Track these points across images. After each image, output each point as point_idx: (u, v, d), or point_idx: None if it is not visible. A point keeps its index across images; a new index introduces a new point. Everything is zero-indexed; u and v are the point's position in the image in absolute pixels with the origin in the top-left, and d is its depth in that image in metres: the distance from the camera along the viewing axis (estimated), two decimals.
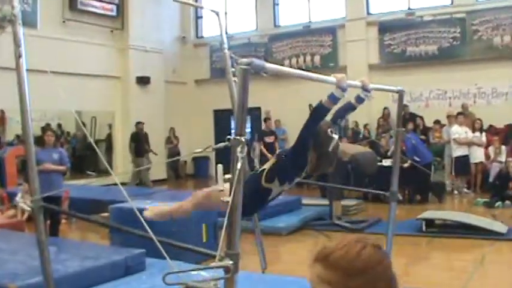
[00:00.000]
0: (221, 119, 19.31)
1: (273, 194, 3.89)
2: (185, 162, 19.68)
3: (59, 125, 19.07)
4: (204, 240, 7.59)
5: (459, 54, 15.80)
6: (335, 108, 3.85)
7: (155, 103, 18.53)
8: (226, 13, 19.64)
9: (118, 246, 7.13)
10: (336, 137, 3.85)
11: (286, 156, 3.84)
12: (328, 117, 3.92)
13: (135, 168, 16.11)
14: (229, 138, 2.69)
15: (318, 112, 3.74)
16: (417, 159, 12.24)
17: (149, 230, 3.19)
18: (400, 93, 5.10)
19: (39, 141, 8.65)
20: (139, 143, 16.89)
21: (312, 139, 3.76)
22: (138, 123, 17.22)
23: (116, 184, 4.06)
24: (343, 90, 3.63)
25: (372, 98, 4.34)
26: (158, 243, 3.12)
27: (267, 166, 3.88)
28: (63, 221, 10.05)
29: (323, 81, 3.66)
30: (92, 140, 5.99)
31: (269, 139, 15.10)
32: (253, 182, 3.80)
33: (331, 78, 3.66)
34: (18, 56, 3.78)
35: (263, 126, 15.72)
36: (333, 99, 3.66)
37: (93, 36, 17.09)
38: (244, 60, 2.68)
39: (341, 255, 1.49)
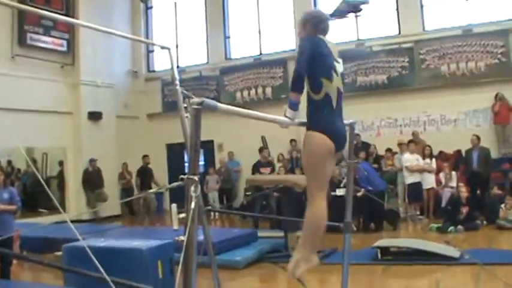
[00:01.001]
0: (174, 152, 19.26)
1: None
2: (139, 197, 19.49)
3: (9, 162, 18.70)
4: (160, 276, 7.50)
5: (408, 83, 16.16)
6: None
7: (107, 138, 18.37)
8: (177, 46, 19.77)
9: (72, 287, 6.99)
10: None
11: None
12: None
13: (89, 204, 15.96)
14: (182, 178, 2.69)
15: None
16: (370, 188, 12.38)
17: (102, 270, 3.15)
18: (351, 126, 5.16)
19: None
20: (92, 179, 16.82)
21: None
22: (91, 160, 17.10)
23: (70, 222, 4.01)
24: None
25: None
26: (112, 284, 3.08)
27: None
28: (15, 261, 9.80)
29: (274, 122, 3.78)
30: (41, 178, 5.85)
31: (265, 170, 14.98)
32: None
33: (282, 118, 3.81)
34: None
35: (259, 157, 15.53)
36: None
37: (44, 71, 16.91)
38: (196, 100, 2.71)
39: None
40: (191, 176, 2.67)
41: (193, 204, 2.63)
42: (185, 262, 2.69)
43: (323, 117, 4.05)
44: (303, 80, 4.01)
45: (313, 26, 4.32)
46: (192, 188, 2.65)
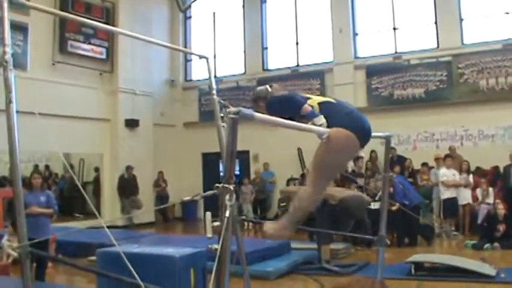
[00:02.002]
0: (210, 161, 19.32)
1: None
2: (173, 205, 19.58)
3: (47, 167, 19.02)
4: (192, 285, 7.52)
5: (446, 97, 15.98)
6: None
7: (144, 146, 18.54)
8: (215, 56, 19.89)
9: None
10: None
11: None
12: None
13: (123, 210, 16.13)
14: (217, 186, 2.71)
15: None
16: (406, 202, 12.27)
17: (136, 276, 3.18)
18: (387, 139, 5.15)
19: (27, 183, 8.61)
20: (127, 186, 17.04)
21: None
22: (128, 167, 17.30)
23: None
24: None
25: None
26: None
27: None
28: (50, 264, 9.94)
29: (310, 131, 3.80)
30: (78, 183, 5.94)
31: None
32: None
33: (318, 128, 3.83)
34: (8, 102, 3.79)
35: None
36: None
37: (83, 78, 17.18)
38: (233, 109, 2.72)
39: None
40: (226, 185, 2.68)
41: (227, 213, 2.64)
42: (218, 271, 2.70)
43: (337, 117, 4.20)
44: (294, 98, 4.32)
45: (262, 98, 4.59)
46: (227, 197, 2.67)
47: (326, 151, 4.12)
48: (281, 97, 4.42)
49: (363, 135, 4.21)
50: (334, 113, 4.19)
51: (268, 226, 4.33)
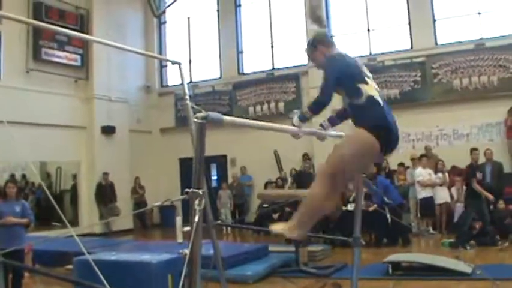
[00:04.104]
0: (187, 167, 19.22)
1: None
2: (152, 211, 19.50)
3: (23, 176, 18.83)
4: None
5: (420, 98, 16.12)
6: None
7: (120, 152, 18.46)
8: (190, 61, 19.89)
9: None
10: None
11: None
12: None
13: (102, 218, 16.03)
14: (187, 192, 2.72)
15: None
16: (388, 201, 12.35)
17: (106, 284, 3.17)
18: None
19: (1, 193, 8.53)
20: (105, 193, 16.99)
21: None
22: (104, 173, 17.25)
23: (83, 235, 4.05)
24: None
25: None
26: None
27: None
28: (27, 274, 9.84)
29: (280, 131, 3.79)
30: (49, 195, 5.86)
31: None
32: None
33: (288, 127, 3.82)
34: None
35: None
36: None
37: (58, 86, 17.06)
38: (200, 114, 2.73)
39: None
40: (196, 190, 2.69)
41: (197, 218, 2.65)
42: (190, 275, 2.71)
43: (371, 113, 4.03)
44: (324, 107, 4.09)
45: (324, 44, 4.41)
46: (197, 202, 2.67)
47: (340, 149, 4.00)
48: (350, 60, 4.26)
49: (388, 141, 4.03)
50: (364, 111, 4.06)
51: (277, 227, 4.15)
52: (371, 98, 4.07)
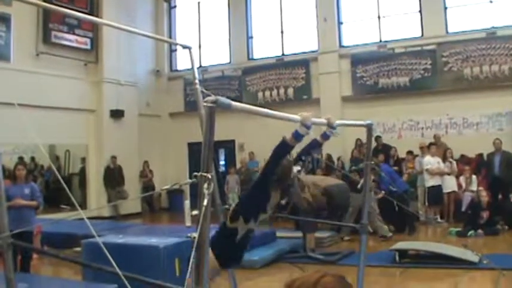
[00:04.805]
0: (195, 151, 19.25)
1: (240, 233, 3.94)
2: (160, 195, 19.57)
3: (33, 158, 18.90)
4: (178, 274, 7.54)
5: (430, 86, 16.04)
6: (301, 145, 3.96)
7: (129, 136, 18.50)
8: (200, 46, 19.84)
9: (90, 282, 7.06)
10: (296, 170, 4.00)
11: (246, 195, 3.94)
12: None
13: (110, 201, 16.12)
14: (195, 175, 2.72)
15: (280, 149, 3.87)
16: (394, 189, 12.34)
17: (115, 265, 3.18)
18: (369, 127, 5.15)
19: (11, 175, 8.58)
20: (113, 176, 17.05)
21: (273, 175, 3.86)
22: (112, 157, 17.30)
23: (91, 218, 4.07)
24: (308, 127, 3.73)
25: (338, 134, 4.46)
26: (126, 281, 3.11)
27: (232, 207, 3.99)
28: (35, 256, 9.91)
29: (288, 120, 3.76)
30: (59, 177, 5.90)
31: None
32: (219, 230, 3.93)
33: (296, 117, 3.76)
34: None
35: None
36: (297, 136, 3.79)
37: (67, 69, 17.06)
38: (210, 98, 2.72)
39: (302, 282, 1.65)
40: (204, 174, 2.69)
41: (205, 201, 2.65)
42: (197, 259, 2.71)
43: None
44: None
45: None
46: (205, 185, 2.67)
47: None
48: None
49: None
50: None
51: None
52: None
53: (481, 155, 14.82)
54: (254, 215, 3.99)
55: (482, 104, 15.24)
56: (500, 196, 13.13)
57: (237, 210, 3.94)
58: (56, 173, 12.46)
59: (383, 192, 12.34)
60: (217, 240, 3.89)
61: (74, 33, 17.47)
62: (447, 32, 16.22)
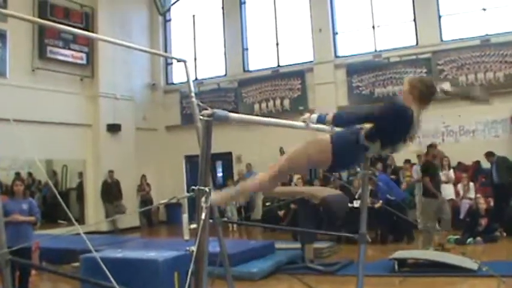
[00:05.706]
0: (193, 164, 19.30)
1: (371, 151, 3.99)
2: (158, 209, 19.54)
3: (30, 174, 18.87)
4: None
5: None
6: None
7: (126, 150, 18.48)
8: (195, 59, 19.88)
9: None
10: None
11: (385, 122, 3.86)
12: None
13: (108, 216, 16.09)
14: (193, 189, 2.73)
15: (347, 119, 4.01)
16: (391, 198, 12.35)
17: (115, 284, 3.18)
18: None
19: (8, 191, 8.55)
20: (110, 190, 17.04)
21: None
22: (109, 171, 17.29)
23: (89, 233, 4.07)
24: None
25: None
26: None
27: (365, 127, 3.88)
28: (33, 272, 9.87)
29: (289, 127, 3.79)
30: (56, 192, 5.88)
31: None
32: (351, 134, 3.89)
33: (299, 123, 3.80)
34: None
35: None
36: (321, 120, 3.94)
37: (63, 84, 17.09)
38: (206, 111, 2.74)
39: None
40: (202, 187, 2.70)
41: (203, 215, 2.66)
42: (196, 273, 2.72)
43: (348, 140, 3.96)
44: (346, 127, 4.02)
45: (421, 98, 4.19)
46: (203, 199, 2.68)
47: (303, 145, 3.93)
48: (392, 123, 4.02)
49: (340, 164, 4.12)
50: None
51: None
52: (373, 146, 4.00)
53: (478, 162, 14.84)
54: (392, 143, 4.03)
55: (478, 111, 15.20)
56: (504, 203, 13.08)
57: (373, 133, 3.88)
58: (53, 188, 12.41)
59: (381, 201, 12.36)
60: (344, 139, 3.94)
61: (69, 48, 17.50)
62: (442, 40, 16.29)
